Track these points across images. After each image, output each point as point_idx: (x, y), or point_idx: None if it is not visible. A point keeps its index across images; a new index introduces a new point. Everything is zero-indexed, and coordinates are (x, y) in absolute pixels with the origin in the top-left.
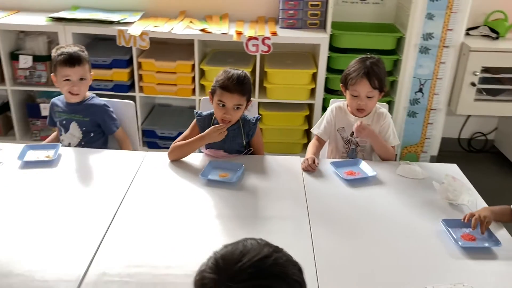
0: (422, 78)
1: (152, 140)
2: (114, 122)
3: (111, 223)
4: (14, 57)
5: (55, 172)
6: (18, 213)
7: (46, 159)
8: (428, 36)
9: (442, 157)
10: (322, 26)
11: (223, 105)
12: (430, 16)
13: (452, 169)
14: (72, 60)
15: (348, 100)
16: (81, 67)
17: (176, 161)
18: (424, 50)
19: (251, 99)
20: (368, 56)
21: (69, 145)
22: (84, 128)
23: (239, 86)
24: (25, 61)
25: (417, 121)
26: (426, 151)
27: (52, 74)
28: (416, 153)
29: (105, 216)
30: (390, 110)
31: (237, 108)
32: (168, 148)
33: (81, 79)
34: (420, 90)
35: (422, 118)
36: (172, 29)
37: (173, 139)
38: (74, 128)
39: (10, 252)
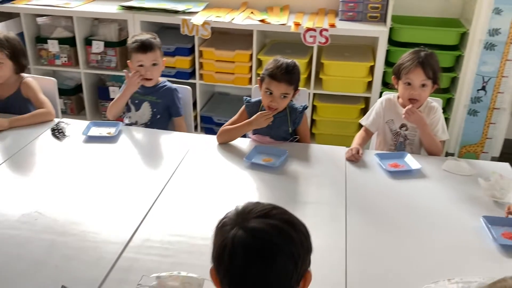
0: (485, 75)
1: (209, 126)
2: (181, 107)
3: (158, 195)
4: (88, 42)
5: (114, 147)
6: (78, 181)
7: (108, 135)
8: (494, 32)
9: (504, 159)
10: (382, 19)
11: (270, 93)
12: (497, 11)
13: (504, 168)
14: (144, 47)
15: (400, 90)
16: (152, 53)
17: (224, 144)
18: (489, 47)
19: (299, 88)
20: (422, 48)
21: (136, 123)
22: (154, 110)
23: (287, 75)
24: (97, 47)
25: (478, 120)
26: (487, 152)
27: (128, 61)
28: (476, 153)
29: (154, 189)
30: (450, 107)
31: (284, 96)
32: None
33: (154, 64)
34: (483, 88)
35: (483, 117)
36: (232, 19)
37: None
38: (146, 108)
39: (68, 214)
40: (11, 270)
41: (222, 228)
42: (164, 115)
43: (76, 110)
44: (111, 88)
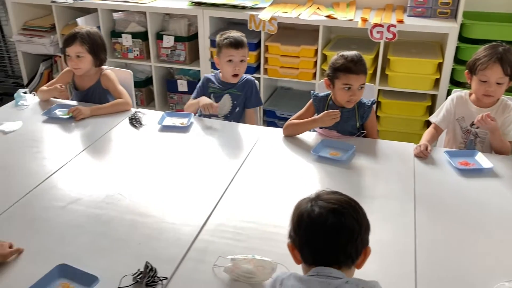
0: None
1: (271, 120)
2: (259, 99)
3: (229, 183)
4: (159, 36)
5: (186, 137)
6: (155, 167)
7: (180, 125)
8: None
9: None
10: (452, 16)
11: (349, 88)
12: None
13: None
14: (236, 43)
15: (474, 86)
16: (243, 49)
17: (290, 136)
18: None
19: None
20: (499, 43)
21: (215, 114)
22: (235, 102)
23: (362, 66)
24: (168, 41)
25: None
26: None
27: (215, 57)
28: None
29: (225, 177)
30: None
31: (361, 87)
32: None
33: (242, 61)
34: None
35: None
36: (299, 15)
37: None
38: (227, 100)
39: (146, 197)
40: (98, 245)
41: (299, 206)
42: (242, 108)
43: (145, 101)
44: (179, 81)
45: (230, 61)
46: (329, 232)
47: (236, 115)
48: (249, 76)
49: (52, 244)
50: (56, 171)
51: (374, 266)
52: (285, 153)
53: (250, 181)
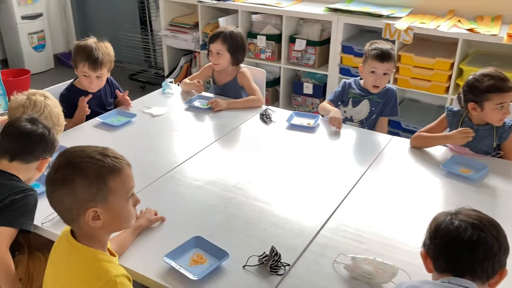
0: None
1: (395, 131)
2: (397, 109)
3: (354, 186)
4: (291, 40)
5: (312, 137)
6: (281, 162)
7: (307, 125)
8: None
9: None
10: None
11: (502, 106)
12: None
13: None
14: (382, 56)
15: None
16: (388, 63)
17: (417, 148)
18: None
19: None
20: None
21: (350, 118)
22: (373, 108)
23: (510, 82)
24: (299, 44)
25: None
26: None
27: (360, 64)
28: None
29: (349, 181)
30: None
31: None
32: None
33: (385, 74)
34: None
35: None
36: (437, 26)
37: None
38: (365, 105)
39: (273, 188)
40: (230, 225)
41: (437, 218)
42: (378, 116)
43: (270, 100)
44: (305, 84)
45: (373, 72)
46: (467, 243)
47: (371, 122)
48: (390, 85)
49: (190, 217)
50: (195, 154)
51: None
52: (412, 164)
53: (374, 187)
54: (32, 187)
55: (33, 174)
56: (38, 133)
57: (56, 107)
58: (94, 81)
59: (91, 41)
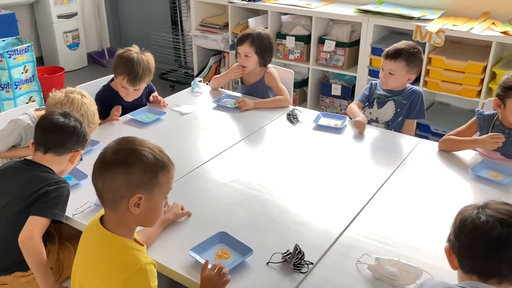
0: None
1: (424, 134)
2: (423, 111)
3: (380, 188)
4: (321, 41)
5: (339, 138)
6: (307, 162)
7: (334, 126)
8: None
9: None
10: None
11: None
12: None
13: None
14: (388, 54)
15: None
16: (393, 62)
17: (445, 152)
18: None
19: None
20: None
21: (376, 120)
22: (398, 110)
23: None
24: (329, 46)
25: None
26: None
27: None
28: None
29: (375, 182)
30: None
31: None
32: None
33: (390, 73)
34: None
35: None
36: (470, 29)
37: None
38: (390, 107)
39: (299, 188)
40: (254, 222)
41: (463, 211)
42: (404, 118)
43: (298, 101)
44: (333, 85)
45: (383, 68)
46: (494, 242)
47: (398, 124)
48: (417, 87)
49: (215, 213)
50: (222, 152)
51: None
52: (440, 167)
53: (400, 189)
54: (65, 179)
55: (65, 166)
56: (70, 125)
57: (92, 106)
58: (131, 93)
59: (134, 52)
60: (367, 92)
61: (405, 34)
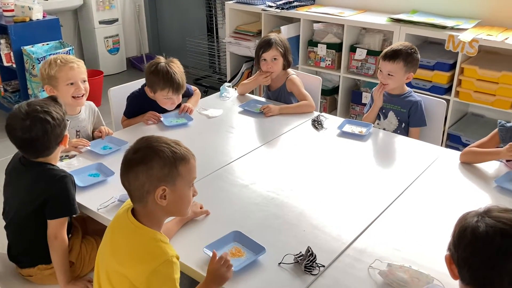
0: None
1: (455, 145)
2: (422, 119)
3: (399, 196)
4: (352, 49)
5: (364, 145)
6: (330, 167)
7: (359, 133)
8: None
9: None
10: None
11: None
12: None
13: None
14: (385, 54)
15: None
16: (391, 63)
17: (467, 163)
18: None
19: None
20: None
21: (384, 130)
22: (399, 118)
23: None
24: (360, 54)
25: None
26: None
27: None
28: None
29: (394, 190)
30: None
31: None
32: None
33: (389, 74)
34: None
35: None
36: (506, 39)
37: None
38: (392, 117)
39: (318, 192)
40: (269, 223)
41: (463, 218)
42: (407, 125)
43: (328, 109)
44: (364, 94)
45: (381, 70)
46: (494, 254)
47: (405, 132)
48: (413, 95)
49: (232, 213)
50: (244, 154)
51: None
52: (462, 177)
53: (420, 197)
54: (65, 170)
55: (59, 152)
56: (39, 134)
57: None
58: (175, 101)
59: (163, 63)
60: (371, 101)
61: (439, 44)
